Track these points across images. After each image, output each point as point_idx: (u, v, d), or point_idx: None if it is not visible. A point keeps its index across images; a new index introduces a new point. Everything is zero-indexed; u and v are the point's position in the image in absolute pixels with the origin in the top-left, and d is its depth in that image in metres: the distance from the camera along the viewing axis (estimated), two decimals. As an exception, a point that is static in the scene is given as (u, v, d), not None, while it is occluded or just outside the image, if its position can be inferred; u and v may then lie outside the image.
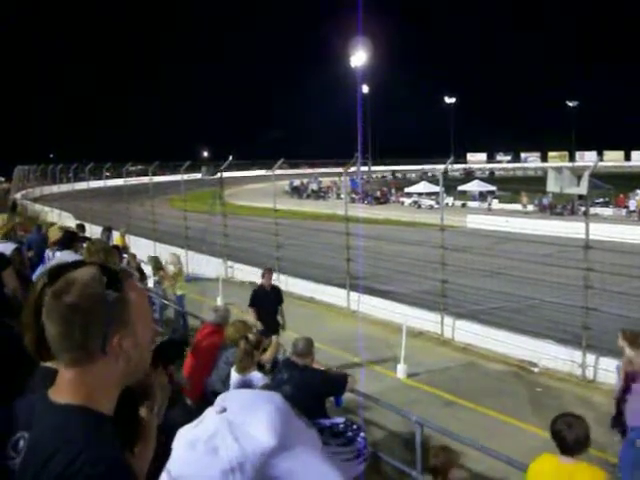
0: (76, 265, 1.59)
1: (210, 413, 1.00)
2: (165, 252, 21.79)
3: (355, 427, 5.50)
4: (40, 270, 7.37)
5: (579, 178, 12.13)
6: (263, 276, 11.16)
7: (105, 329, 1.48)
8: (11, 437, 1.48)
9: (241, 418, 0.99)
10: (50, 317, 1.48)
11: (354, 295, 15.66)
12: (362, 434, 5.50)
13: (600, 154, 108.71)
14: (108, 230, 17.59)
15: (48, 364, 1.70)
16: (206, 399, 6.45)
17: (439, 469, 4.96)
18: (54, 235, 7.66)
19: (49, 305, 1.48)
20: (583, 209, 30.30)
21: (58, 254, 6.87)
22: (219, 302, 15.21)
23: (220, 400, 1.07)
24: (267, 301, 10.79)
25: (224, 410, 0.99)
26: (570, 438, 4.29)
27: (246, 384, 5.95)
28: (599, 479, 4.26)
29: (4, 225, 6.69)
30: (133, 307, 1.54)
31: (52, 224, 15.67)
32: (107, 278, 1.52)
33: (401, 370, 11.02)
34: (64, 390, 1.50)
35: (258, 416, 1.02)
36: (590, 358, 10.93)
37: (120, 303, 1.51)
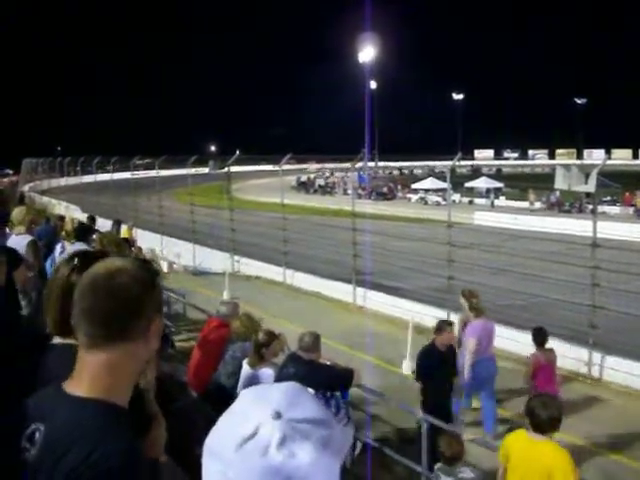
0: (103, 254, 1.68)
1: (264, 420, 1.01)
2: (172, 245, 21.93)
3: (329, 394, 5.63)
4: (51, 261, 7.45)
5: (587, 176, 12.10)
6: (440, 332, 7.51)
7: (152, 313, 1.57)
8: (25, 429, 1.49)
9: (295, 415, 1.01)
10: (98, 294, 1.51)
11: (360, 291, 15.68)
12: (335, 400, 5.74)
13: (608, 152, 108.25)
14: (117, 223, 17.63)
15: (68, 340, 1.75)
16: (211, 392, 6.48)
17: (452, 458, 5.14)
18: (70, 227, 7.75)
19: (98, 283, 1.52)
20: (591, 207, 30.20)
21: (69, 246, 6.93)
22: (225, 296, 15.24)
23: (255, 401, 1.06)
24: (443, 369, 7.41)
25: (279, 415, 1.00)
26: (543, 416, 4.56)
27: (255, 378, 5.98)
28: (562, 456, 4.49)
29: (24, 218, 6.69)
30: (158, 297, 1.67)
31: (61, 217, 15.72)
32: (148, 269, 1.63)
33: (407, 366, 11.02)
34: (82, 381, 1.51)
35: (308, 406, 1.04)
36: (597, 356, 10.92)
37: (160, 291, 1.63)
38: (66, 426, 1.44)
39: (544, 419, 4.55)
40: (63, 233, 8.08)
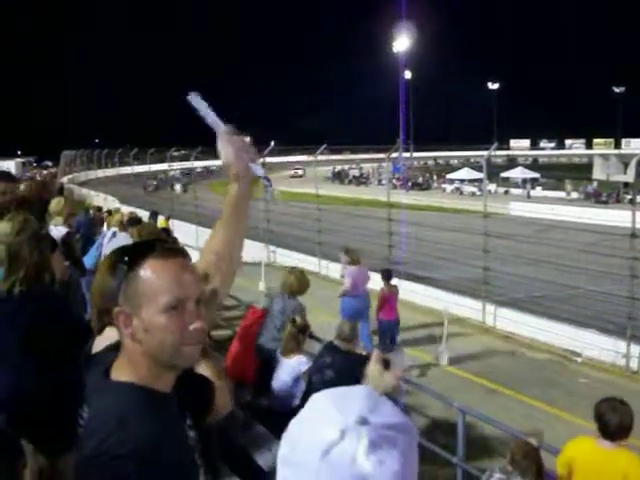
0: (138, 246, 1.67)
1: (349, 426, 0.95)
2: (207, 236, 22.07)
3: None
4: (97, 246, 7.66)
5: (626, 165, 11.94)
6: None
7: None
8: (80, 408, 1.55)
9: (380, 420, 0.98)
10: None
11: (395, 281, 15.64)
12: None
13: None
14: (155, 215, 17.88)
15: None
16: (263, 364, 6.43)
17: (519, 461, 4.73)
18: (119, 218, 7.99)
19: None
20: (629, 197, 29.72)
21: (115, 236, 7.12)
22: (261, 287, 15.35)
23: (334, 406, 1.01)
24: None
25: (365, 421, 0.96)
26: (613, 422, 4.23)
27: (291, 366, 5.97)
28: (637, 462, 4.20)
29: (62, 209, 6.80)
30: (143, 287, 1.48)
31: (99, 208, 16.00)
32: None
33: (442, 357, 11.01)
34: (116, 365, 1.54)
35: (389, 411, 1.02)
36: (634, 349, 10.79)
37: (127, 279, 1.48)
38: (96, 411, 1.47)
39: (615, 424, 4.22)
40: (117, 222, 8.26)
